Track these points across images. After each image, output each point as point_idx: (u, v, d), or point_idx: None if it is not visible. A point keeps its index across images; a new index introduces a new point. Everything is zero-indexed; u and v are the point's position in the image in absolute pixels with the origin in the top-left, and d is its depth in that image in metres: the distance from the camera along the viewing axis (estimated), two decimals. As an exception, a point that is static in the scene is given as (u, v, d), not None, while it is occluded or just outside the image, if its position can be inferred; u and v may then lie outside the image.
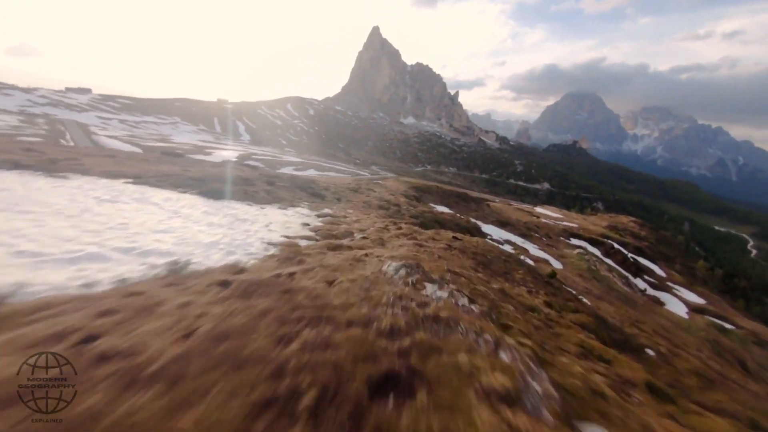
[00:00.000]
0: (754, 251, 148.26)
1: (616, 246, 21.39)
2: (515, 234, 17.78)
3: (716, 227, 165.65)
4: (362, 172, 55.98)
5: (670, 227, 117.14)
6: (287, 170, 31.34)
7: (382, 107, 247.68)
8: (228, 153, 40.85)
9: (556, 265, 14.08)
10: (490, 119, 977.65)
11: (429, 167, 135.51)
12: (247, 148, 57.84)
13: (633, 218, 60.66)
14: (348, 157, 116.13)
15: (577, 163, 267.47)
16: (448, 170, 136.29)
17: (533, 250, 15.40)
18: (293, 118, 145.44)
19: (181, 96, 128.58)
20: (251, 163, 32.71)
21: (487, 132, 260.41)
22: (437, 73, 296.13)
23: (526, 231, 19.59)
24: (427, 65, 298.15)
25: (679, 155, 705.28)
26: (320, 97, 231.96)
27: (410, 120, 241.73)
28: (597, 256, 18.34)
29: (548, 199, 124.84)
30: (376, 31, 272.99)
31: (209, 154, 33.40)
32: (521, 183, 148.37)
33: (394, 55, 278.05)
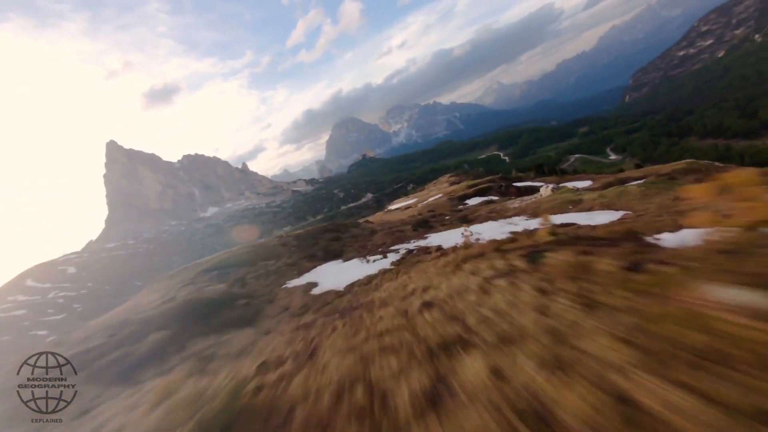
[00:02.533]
0: (507, 158, 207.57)
1: (496, 184, 19.78)
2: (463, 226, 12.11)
3: (479, 157, 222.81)
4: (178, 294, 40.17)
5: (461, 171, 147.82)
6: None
7: (170, 214, 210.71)
8: None
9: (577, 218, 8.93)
10: (289, 173, 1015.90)
11: (261, 240, 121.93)
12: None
13: (447, 174, 68.38)
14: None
15: (376, 169, 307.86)
16: (281, 232, 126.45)
17: (521, 223, 9.96)
18: (45, 293, 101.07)
19: None
20: None
21: (294, 182, 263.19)
22: (211, 156, 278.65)
23: (447, 218, 14.48)
24: (196, 153, 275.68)
25: (425, 130, 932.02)
26: (80, 246, 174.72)
27: (212, 210, 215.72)
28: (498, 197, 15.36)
29: (379, 204, 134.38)
30: (113, 145, 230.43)
31: None
32: (351, 204, 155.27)
33: (151, 159, 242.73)
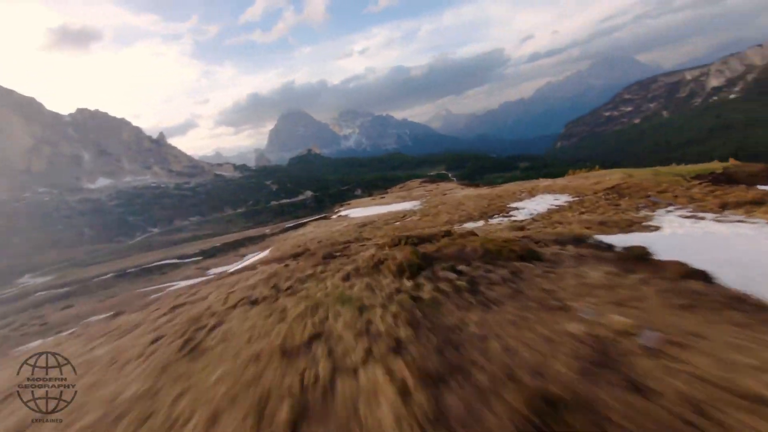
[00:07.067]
0: (454, 179, 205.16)
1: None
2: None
3: (429, 173, 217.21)
4: None
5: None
6: None
7: (42, 179, 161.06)
8: None
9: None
10: (222, 156, 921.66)
11: (155, 230, 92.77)
12: None
13: (417, 180, 54.02)
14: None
15: (321, 167, 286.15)
16: (186, 223, 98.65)
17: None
18: None
19: None
20: None
21: (221, 165, 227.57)
22: (119, 117, 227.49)
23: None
24: (97, 110, 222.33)
25: (375, 140, 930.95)
26: None
27: (103, 181, 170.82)
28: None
29: (319, 204, 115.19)
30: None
31: None
32: (285, 201, 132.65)
33: (28, 104, 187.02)
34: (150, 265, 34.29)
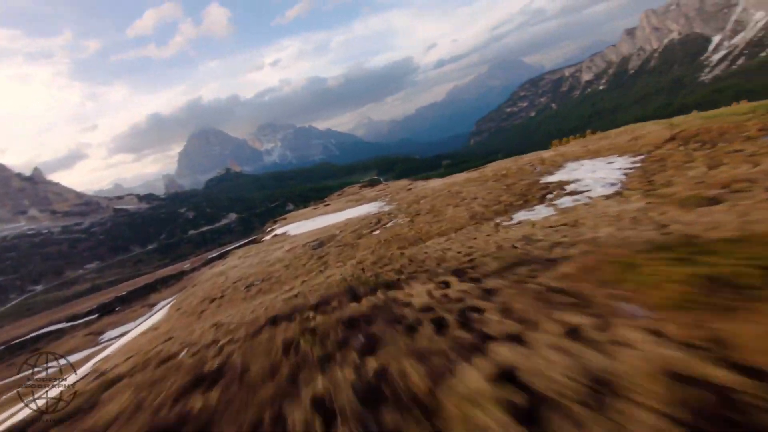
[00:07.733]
0: (387, 183, 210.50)
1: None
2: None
3: (362, 179, 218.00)
4: None
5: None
6: None
7: None
8: None
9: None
10: (124, 188, 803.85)
11: (38, 288, 74.60)
12: None
13: (356, 185, 53.12)
14: None
15: (243, 185, 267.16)
16: (81, 272, 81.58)
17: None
18: None
19: None
20: None
21: (121, 198, 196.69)
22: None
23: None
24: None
25: (301, 152, 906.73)
26: None
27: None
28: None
29: (247, 227, 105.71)
30: None
31: None
32: (205, 228, 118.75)
33: None
34: (23, 339, 26.39)
